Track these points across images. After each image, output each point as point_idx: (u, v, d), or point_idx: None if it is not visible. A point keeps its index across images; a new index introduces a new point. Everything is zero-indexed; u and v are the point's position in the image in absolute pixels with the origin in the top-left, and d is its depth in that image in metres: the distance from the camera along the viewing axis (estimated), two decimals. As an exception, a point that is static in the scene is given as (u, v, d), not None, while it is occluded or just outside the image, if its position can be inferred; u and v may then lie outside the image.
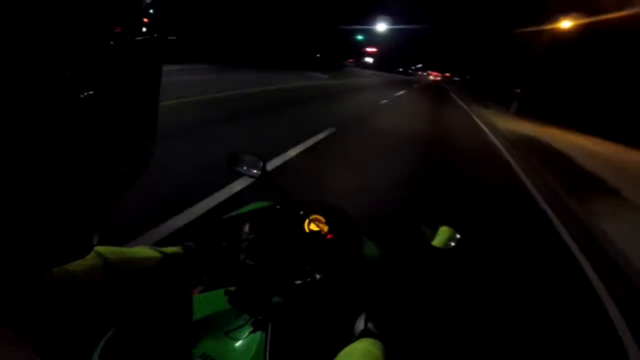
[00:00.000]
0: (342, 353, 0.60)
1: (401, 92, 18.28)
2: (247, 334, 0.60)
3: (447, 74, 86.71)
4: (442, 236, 0.93)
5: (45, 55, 0.22)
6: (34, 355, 0.28)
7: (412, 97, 17.05)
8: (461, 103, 18.98)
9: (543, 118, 14.21)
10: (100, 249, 0.52)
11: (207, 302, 0.64)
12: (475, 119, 12.32)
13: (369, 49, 72.73)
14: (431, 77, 73.00)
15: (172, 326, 0.57)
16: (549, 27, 14.78)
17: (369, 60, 73.70)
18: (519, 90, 16.35)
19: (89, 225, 0.29)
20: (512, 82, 17.61)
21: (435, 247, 0.92)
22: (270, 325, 0.60)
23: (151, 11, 0.33)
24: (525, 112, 15.32)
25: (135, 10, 0.29)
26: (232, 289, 0.64)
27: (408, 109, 11.85)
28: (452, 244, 0.92)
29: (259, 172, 0.96)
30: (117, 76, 0.27)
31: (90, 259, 0.49)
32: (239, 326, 0.61)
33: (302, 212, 0.94)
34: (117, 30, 0.27)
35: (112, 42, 0.26)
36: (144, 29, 0.29)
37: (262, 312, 0.62)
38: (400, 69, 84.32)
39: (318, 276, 0.75)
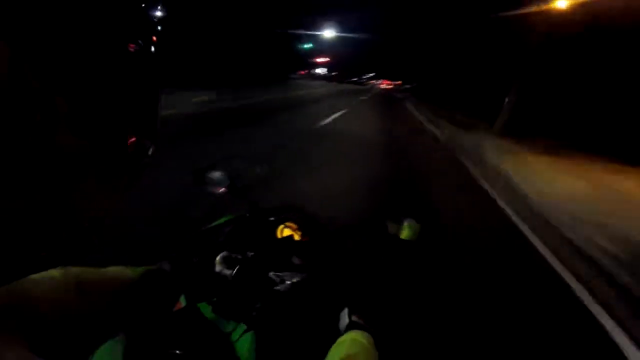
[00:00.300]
0: (332, 348, 0.63)
1: (340, 114, 12.31)
2: (236, 339, 0.66)
3: (399, 82, 79.42)
4: (408, 229, 0.97)
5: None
6: (30, 355, 0.29)
7: (351, 120, 11.13)
8: (428, 126, 12.00)
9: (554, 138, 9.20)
10: (72, 268, 0.51)
11: (191, 315, 0.67)
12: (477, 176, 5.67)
13: (319, 59, 71.12)
14: (382, 86, 68.64)
15: (159, 343, 0.60)
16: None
17: (321, 71, 71.89)
18: (509, 99, 10.35)
19: (88, 225, 0.29)
20: (495, 86, 11.96)
21: (404, 240, 0.96)
22: (256, 330, 0.67)
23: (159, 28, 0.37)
24: (519, 130, 9.64)
25: (147, 26, 0.32)
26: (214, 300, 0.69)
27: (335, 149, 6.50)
28: (416, 235, 0.97)
29: (225, 189, 0.98)
30: (125, 81, 0.29)
31: (62, 277, 0.48)
32: (228, 333, 0.66)
33: (272, 219, 0.98)
34: (131, 47, 0.29)
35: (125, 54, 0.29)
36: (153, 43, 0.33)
37: (246, 318, 0.68)
38: (354, 79, 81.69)
39: (295, 279, 0.77)
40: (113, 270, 0.59)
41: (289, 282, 0.76)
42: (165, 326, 0.61)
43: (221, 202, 1.01)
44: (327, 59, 72.66)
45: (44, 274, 0.46)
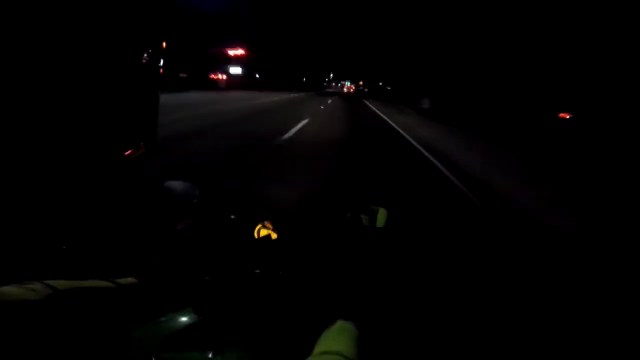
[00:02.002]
0: (321, 336, 0.63)
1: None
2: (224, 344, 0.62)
3: (360, 83, 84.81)
4: (381, 217, 1.01)
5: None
6: None
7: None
8: (377, 111, 19.48)
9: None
10: (50, 281, 0.51)
11: (176, 321, 0.64)
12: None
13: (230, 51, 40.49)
14: (345, 90, 64.27)
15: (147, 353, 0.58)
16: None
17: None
18: (424, 97, 18.92)
19: (86, 226, 0.24)
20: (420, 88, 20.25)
21: (380, 229, 1.00)
22: (246, 332, 0.64)
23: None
24: (429, 113, 17.19)
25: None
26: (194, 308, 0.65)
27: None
28: (385, 221, 1.01)
29: (196, 200, 0.96)
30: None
31: (38, 290, 0.48)
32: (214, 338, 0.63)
33: (249, 219, 0.95)
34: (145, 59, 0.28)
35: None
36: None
37: (233, 321, 0.65)
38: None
39: (274, 277, 0.77)
40: (92, 282, 0.58)
41: (268, 281, 0.75)
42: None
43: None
44: (243, 52, 43.18)
45: (24, 285, 0.46)
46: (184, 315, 0.66)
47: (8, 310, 0.41)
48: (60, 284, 0.51)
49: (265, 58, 47.51)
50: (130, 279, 0.65)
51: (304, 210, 1.10)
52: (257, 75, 38.97)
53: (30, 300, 0.44)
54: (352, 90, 65.69)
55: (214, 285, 0.71)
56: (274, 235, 0.92)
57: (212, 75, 26.55)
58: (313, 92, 43.34)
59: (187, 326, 0.64)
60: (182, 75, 21.12)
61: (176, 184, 0.96)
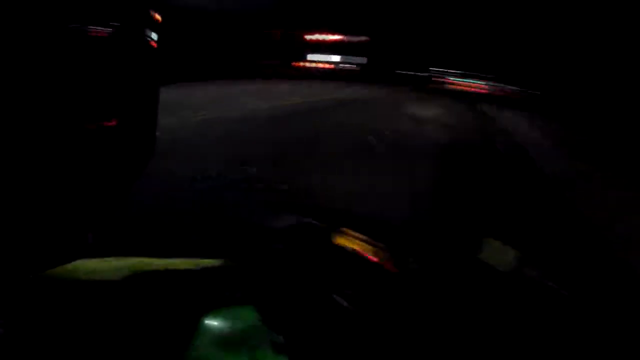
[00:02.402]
0: None
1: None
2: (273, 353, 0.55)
3: None
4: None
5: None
6: None
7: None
8: None
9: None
10: (130, 259, 0.51)
11: (235, 316, 0.59)
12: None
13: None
14: None
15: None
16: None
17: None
18: None
19: (85, 227, 0.31)
20: None
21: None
22: (301, 342, 0.57)
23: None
24: None
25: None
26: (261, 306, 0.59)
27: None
28: None
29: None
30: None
31: (118, 268, 0.48)
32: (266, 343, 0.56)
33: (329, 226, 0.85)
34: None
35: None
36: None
37: (295, 330, 0.58)
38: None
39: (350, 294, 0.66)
40: (174, 262, 0.57)
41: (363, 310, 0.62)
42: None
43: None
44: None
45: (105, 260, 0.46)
46: (244, 311, 0.60)
47: (91, 288, 0.42)
48: (142, 261, 0.52)
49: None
50: (214, 261, 0.63)
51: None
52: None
53: (112, 281, 0.45)
54: None
55: (290, 285, 0.65)
56: (361, 249, 0.77)
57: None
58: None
59: (242, 323, 0.59)
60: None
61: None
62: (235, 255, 0.70)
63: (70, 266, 0.42)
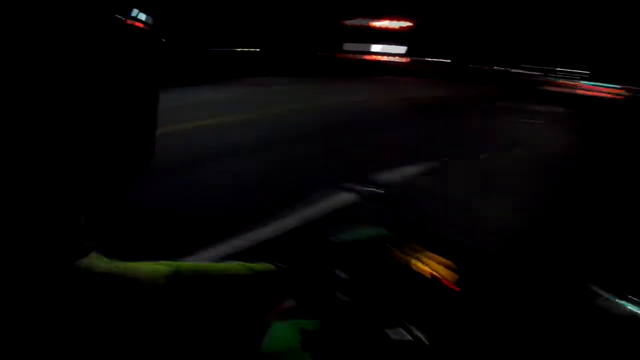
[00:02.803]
0: None
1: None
2: None
3: None
4: None
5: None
6: None
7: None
8: None
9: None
10: (177, 264, 0.49)
11: (283, 332, 0.56)
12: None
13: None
14: None
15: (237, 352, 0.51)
16: None
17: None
18: None
19: (85, 227, 0.31)
20: None
21: None
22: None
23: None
24: None
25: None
26: (312, 323, 0.57)
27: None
28: None
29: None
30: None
31: (158, 271, 0.46)
32: None
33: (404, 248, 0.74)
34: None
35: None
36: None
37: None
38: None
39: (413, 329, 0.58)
40: (223, 266, 0.57)
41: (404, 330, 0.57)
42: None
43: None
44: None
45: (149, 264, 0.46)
46: (310, 325, 0.57)
47: (133, 289, 0.41)
48: (189, 266, 0.50)
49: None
50: (266, 265, 0.61)
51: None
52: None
53: (156, 284, 0.44)
54: None
55: (346, 306, 0.61)
56: (442, 275, 0.66)
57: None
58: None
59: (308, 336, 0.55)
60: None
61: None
62: (292, 260, 0.67)
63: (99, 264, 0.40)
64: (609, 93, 10.75)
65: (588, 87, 11.23)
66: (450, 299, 0.64)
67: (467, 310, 0.64)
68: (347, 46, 13.92)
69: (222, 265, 0.57)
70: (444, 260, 0.68)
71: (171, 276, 0.46)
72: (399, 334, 0.58)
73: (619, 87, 10.75)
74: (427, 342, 0.57)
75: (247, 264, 0.59)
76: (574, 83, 11.64)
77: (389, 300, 0.63)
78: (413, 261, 0.69)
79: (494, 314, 0.64)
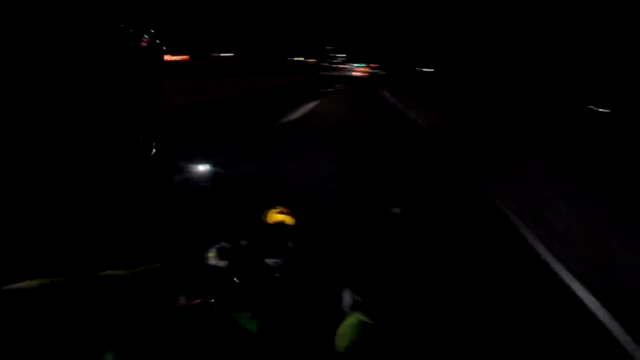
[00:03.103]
0: (339, 329, 0.62)
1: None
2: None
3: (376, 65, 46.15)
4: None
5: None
6: None
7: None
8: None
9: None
10: (59, 278, 0.50)
11: (204, 310, 0.60)
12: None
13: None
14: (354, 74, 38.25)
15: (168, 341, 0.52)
16: None
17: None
18: None
19: (85, 227, 0.51)
20: None
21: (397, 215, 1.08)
22: (260, 318, 0.61)
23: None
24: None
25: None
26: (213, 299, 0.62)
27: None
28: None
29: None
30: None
31: (50, 284, 0.47)
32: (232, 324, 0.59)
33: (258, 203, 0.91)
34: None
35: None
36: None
37: (250, 307, 0.62)
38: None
39: (292, 263, 0.75)
40: (107, 273, 0.57)
41: (285, 267, 0.72)
42: (173, 323, 0.54)
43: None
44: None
45: (37, 280, 0.44)
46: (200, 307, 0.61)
47: (24, 300, 0.41)
48: (71, 277, 0.51)
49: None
50: (143, 268, 0.63)
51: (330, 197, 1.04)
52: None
53: (44, 293, 0.45)
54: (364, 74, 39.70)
55: (229, 272, 0.69)
56: (288, 220, 0.87)
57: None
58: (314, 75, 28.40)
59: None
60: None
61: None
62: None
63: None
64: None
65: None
66: (294, 234, 0.82)
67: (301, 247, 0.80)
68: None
69: (106, 272, 0.57)
70: (284, 209, 0.89)
71: (58, 287, 0.47)
72: (276, 269, 0.73)
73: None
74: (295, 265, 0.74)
75: (127, 270, 0.60)
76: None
77: (260, 248, 0.76)
78: (268, 217, 0.89)
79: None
